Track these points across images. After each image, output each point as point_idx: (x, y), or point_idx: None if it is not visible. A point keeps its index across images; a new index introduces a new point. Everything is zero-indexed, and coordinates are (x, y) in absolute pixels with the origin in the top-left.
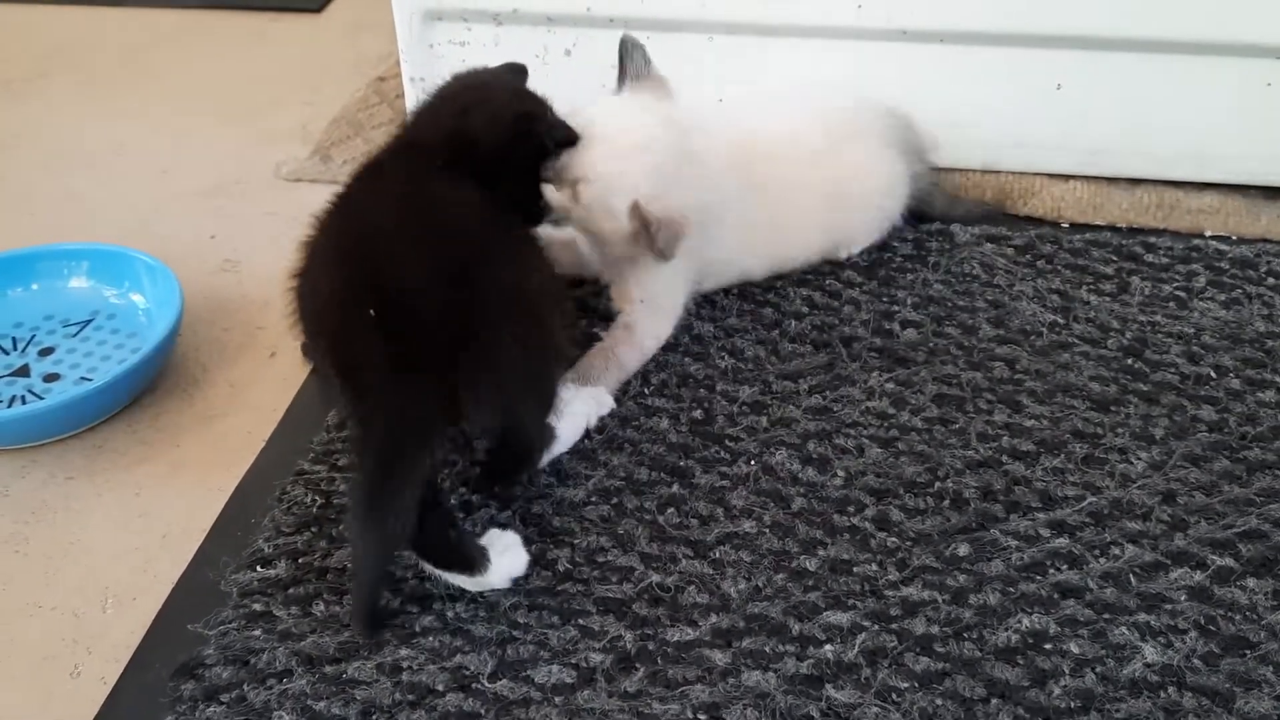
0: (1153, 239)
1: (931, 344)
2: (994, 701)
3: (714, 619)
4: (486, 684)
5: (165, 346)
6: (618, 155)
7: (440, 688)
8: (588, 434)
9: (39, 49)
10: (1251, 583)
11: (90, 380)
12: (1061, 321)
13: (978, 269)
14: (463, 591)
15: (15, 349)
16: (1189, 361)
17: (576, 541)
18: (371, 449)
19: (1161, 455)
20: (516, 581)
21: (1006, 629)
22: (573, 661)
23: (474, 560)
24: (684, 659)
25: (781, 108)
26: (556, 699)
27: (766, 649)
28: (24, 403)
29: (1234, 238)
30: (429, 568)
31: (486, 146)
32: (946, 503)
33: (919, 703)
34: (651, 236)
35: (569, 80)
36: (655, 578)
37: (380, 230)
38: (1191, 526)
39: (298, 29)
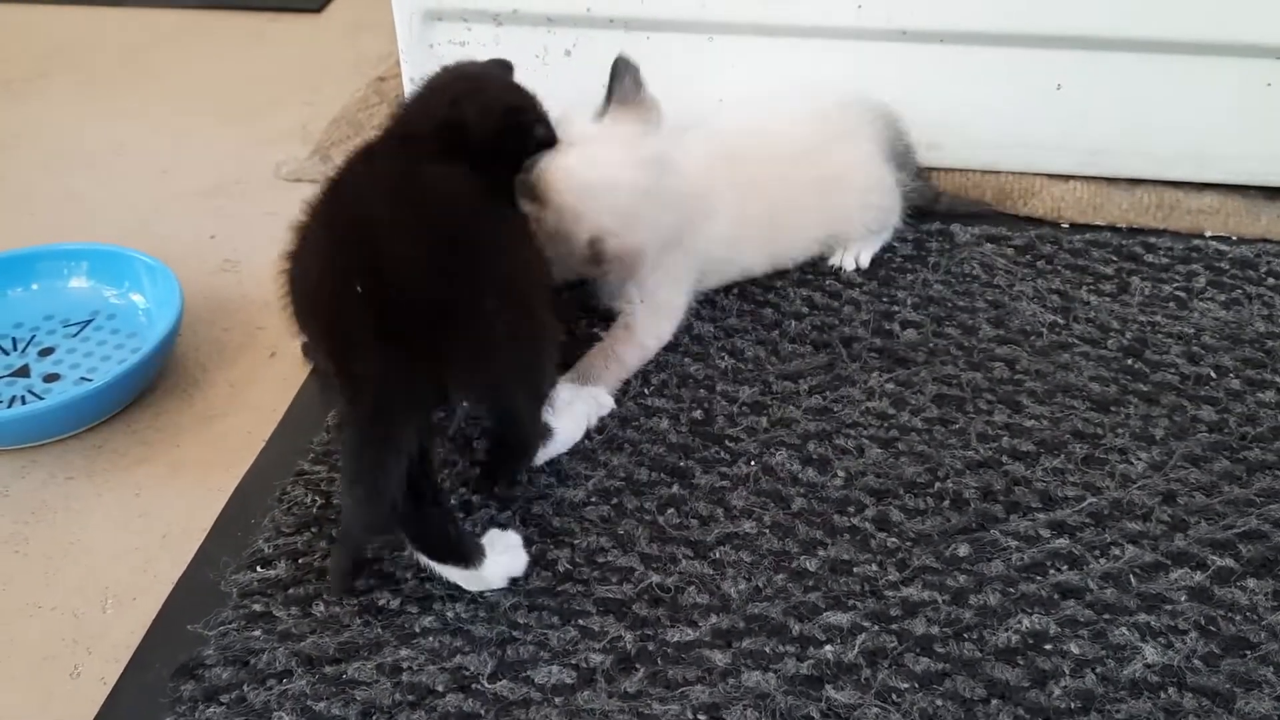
0: (1153, 239)
1: (931, 344)
2: (994, 702)
3: (714, 619)
4: (486, 684)
5: (165, 346)
6: (581, 190)
7: (440, 688)
8: (588, 434)
9: (39, 49)
10: (1251, 583)
11: (90, 380)
12: (1061, 322)
13: (978, 269)
14: (463, 592)
15: (15, 349)
16: (1189, 362)
17: (576, 542)
18: (362, 410)
19: (1161, 456)
20: (516, 582)
21: (1007, 629)
22: (573, 662)
23: (469, 554)
24: (684, 659)
25: (779, 106)
26: (556, 699)
27: (766, 649)
28: (24, 403)
29: (1234, 238)
30: (426, 561)
31: (477, 135)
32: (946, 503)
33: (919, 703)
34: (604, 268)
35: (569, 80)
36: (655, 578)
37: (371, 211)
38: (1192, 527)
39: (297, 29)
